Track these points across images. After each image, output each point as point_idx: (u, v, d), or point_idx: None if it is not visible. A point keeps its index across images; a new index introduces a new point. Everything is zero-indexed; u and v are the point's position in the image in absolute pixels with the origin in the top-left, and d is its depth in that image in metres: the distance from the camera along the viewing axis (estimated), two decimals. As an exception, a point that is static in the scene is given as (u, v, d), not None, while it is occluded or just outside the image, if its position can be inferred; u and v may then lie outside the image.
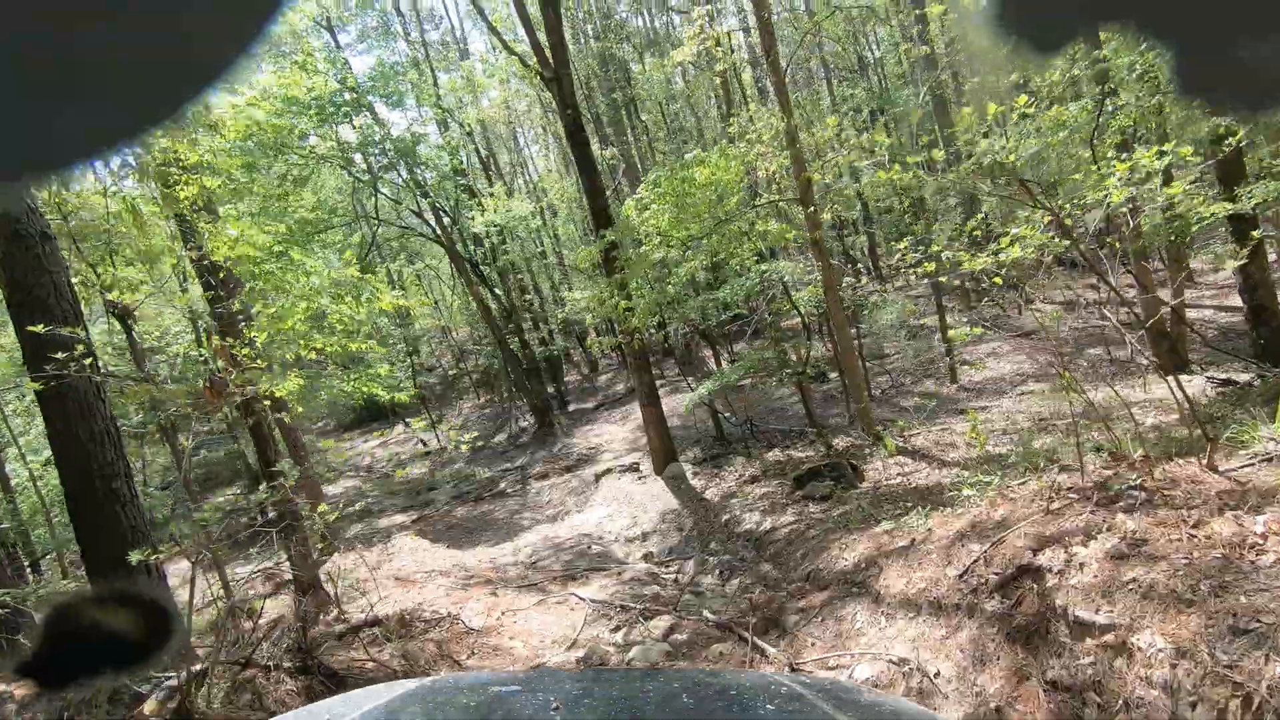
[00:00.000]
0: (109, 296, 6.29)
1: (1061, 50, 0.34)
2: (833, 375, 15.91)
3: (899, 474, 8.85)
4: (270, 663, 3.84)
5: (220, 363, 4.05)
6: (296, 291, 7.42)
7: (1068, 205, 4.01)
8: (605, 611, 7.01)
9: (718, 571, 7.80)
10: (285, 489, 4.41)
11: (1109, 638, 2.70)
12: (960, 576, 3.99)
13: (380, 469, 20.66)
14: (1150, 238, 7.07)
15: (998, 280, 4.85)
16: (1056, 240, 3.99)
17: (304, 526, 7.68)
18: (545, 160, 29.60)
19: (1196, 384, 9.60)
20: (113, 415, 4.72)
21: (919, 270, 5.01)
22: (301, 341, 8.51)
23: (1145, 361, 12.62)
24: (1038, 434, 8.89)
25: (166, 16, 0.27)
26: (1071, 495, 3.98)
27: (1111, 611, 2.78)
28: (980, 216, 5.15)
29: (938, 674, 3.58)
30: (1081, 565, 3.13)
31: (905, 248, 5.06)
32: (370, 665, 4.59)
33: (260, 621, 5.43)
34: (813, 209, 9.94)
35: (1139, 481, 3.47)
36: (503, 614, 7.29)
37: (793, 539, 7.41)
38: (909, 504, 7.16)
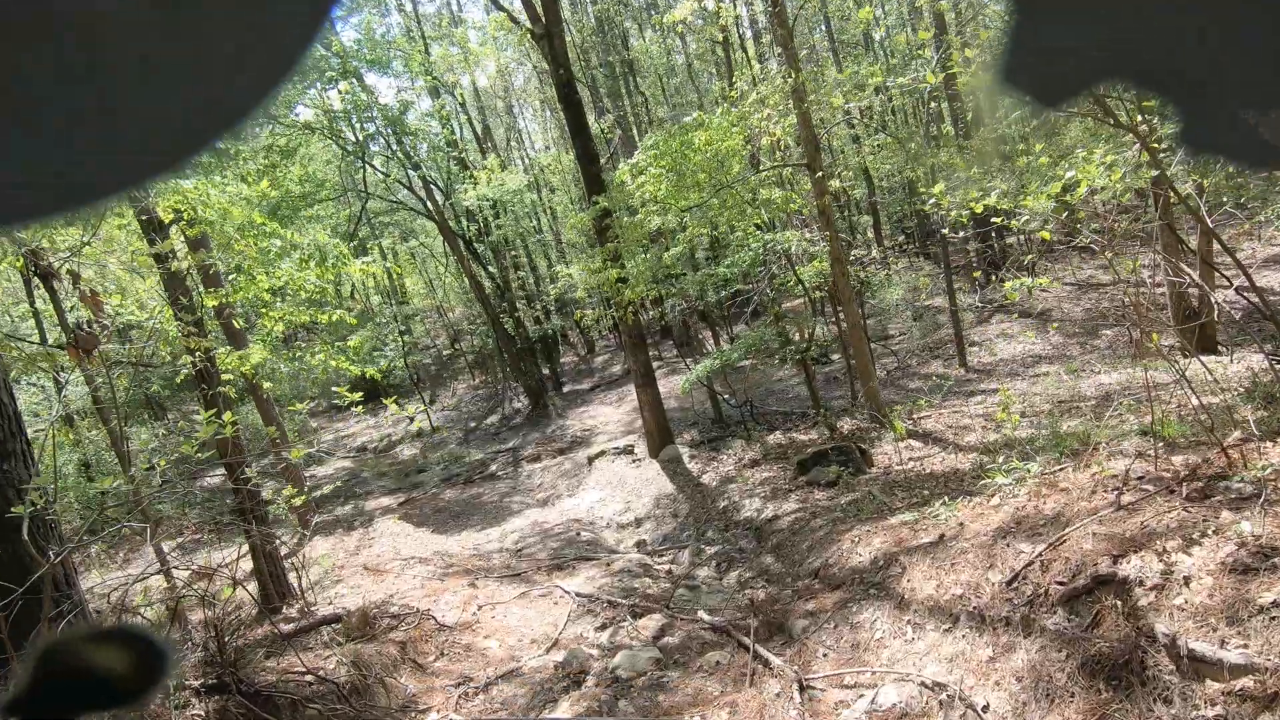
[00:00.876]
0: (49, 258, 5.49)
1: (1068, 104, 0.35)
2: (834, 357, 15.15)
3: (910, 459, 8.12)
4: (171, 681, 3.11)
5: (87, 314, 3.33)
6: (253, 254, 6.64)
7: (1145, 124, 3.21)
8: (591, 607, 6.29)
9: (715, 563, 7.08)
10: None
11: (1247, 683, 1.96)
12: (1009, 583, 3.24)
13: (372, 449, 19.98)
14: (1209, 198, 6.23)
15: (1046, 235, 4.07)
16: (1143, 171, 3.22)
17: (265, 511, 6.96)
18: (543, 137, 28.66)
19: (1231, 366, 8.84)
20: (7, 383, 3.97)
21: (955, 215, 4.21)
22: (264, 311, 7.73)
23: (1168, 343, 11.86)
24: (1061, 417, 8.15)
25: (179, 48, 0.25)
26: (1147, 488, 3.23)
27: (1246, 647, 2.04)
28: (1040, 148, 4.34)
29: (987, 707, 2.85)
30: (1187, 580, 2.39)
31: (939, 192, 4.25)
32: (309, 679, 3.87)
33: (196, 620, 4.70)
34: (820, 174, 9.14)
35: (1266, 471, 2.71)
36: (480, 608, 6.58)
37: (797, 529, 6.68)
38: (926, 491, 6.43)
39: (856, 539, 5.44)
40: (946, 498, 5.03)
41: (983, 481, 5.06)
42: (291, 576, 7.15)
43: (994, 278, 15.99)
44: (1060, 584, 2.92)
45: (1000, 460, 5.30)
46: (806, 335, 10.22)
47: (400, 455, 18.60)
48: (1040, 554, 3.20)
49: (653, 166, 8.78)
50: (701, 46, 21.93)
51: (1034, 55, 0.31)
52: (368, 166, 17.35)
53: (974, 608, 3.35)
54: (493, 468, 14.84)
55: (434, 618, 6.16)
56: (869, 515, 6.03)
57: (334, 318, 7.68)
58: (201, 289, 6.60)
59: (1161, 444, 4.72)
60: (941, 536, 4.22)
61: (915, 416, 9.67)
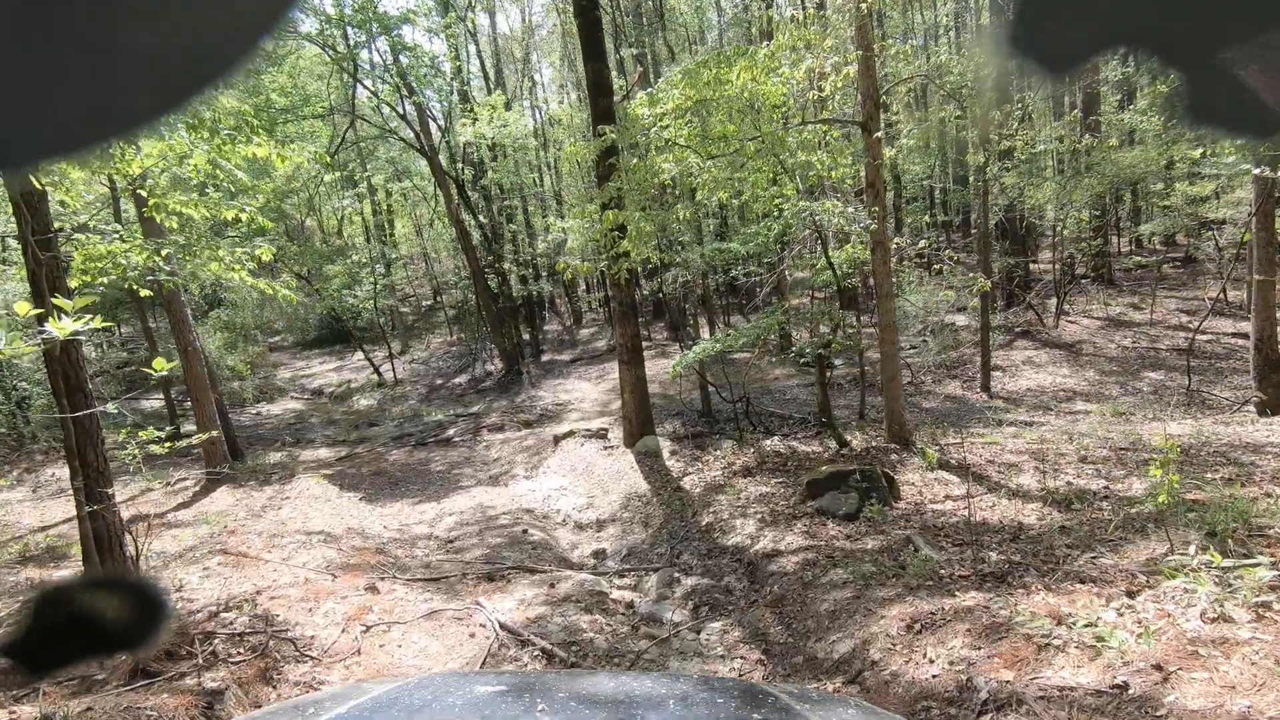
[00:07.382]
0: None
1: (1073, 73, 0.32)
2: (837, 362, 13.29)
3: (945, 496, 6.26)
4: None
5: None
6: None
7: None
8: (518, 652, 4.38)
9: (692, 604, 5.17)
10: None
11: None
12: None
13: (329, 394, 17.88)
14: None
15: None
16: None
17: (98, 450, 4.95)
18: (559, 96, 26.36)
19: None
20: None
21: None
22: (127, 187, 5.67)
23: (1229, 395, 10.08)
24: (1138, 468, 6.33)
25: None
26: None
27: None
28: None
29: None
30: None
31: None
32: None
33: None
34: (878, 135, 7.19)
35: None
36: (369, 629, 4.63)
37: (809, 578, 4.78)
38: (994, 554, 4.54)
39: (912, 623, 3.54)
40: (1098, 597, 3.11)
41: (1157, 569, 3.15)
42: (130, 546, 5.16)
43: (1022, 299, 14.18)
44: None
45: (1182, 545, 3.40)
46: (830, 329, 8.29)
47: (356, 404, 16.54)
48: None
49: (677, 91, 6.76)
50: (735, 16, 19.80)
51: (1042, 22, 0.29)
52: (358, 84, 15.12)
53: None
54: (450, 432, 12.85)
55: (293, 642, 4.20)
56: (920, 579, 4.13)
57: (244, 217, 5.62)
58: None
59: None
60: (1123, 688, 2.31)
61: (941, 443, 7.84)
